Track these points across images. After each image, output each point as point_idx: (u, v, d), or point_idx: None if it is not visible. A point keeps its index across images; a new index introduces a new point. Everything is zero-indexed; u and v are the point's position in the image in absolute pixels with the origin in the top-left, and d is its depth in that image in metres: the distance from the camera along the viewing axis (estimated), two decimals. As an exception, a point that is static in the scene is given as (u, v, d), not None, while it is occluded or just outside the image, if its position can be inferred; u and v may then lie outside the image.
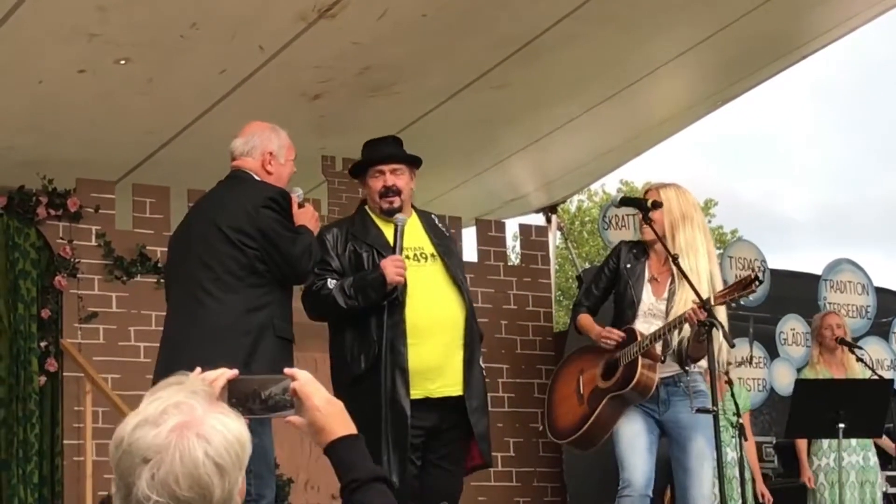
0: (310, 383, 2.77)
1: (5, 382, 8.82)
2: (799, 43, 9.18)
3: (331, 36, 7.56)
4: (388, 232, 6.01)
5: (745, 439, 7.88)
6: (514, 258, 14.77)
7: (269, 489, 5.33)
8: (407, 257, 5.90)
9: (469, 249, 10.53)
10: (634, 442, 6.35)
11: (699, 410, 6.01)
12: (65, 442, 8.76)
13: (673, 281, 6.42)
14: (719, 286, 6.34)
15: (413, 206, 6.24)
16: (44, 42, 7.28)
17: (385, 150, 6.15)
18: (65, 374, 8.87)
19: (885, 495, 9.09)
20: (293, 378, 2.75)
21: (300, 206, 5.78)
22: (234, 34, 7.42)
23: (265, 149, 5.75)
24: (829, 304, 11.23)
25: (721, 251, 10.63)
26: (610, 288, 6.67)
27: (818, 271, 11.57)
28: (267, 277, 5.49)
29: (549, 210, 11.31)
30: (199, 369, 2.71)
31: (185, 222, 5.84)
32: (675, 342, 6.32)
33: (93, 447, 8.50)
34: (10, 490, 8.71)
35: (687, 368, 6.38)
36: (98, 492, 8.45)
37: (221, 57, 7.69)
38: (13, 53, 7.34)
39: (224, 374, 2.72)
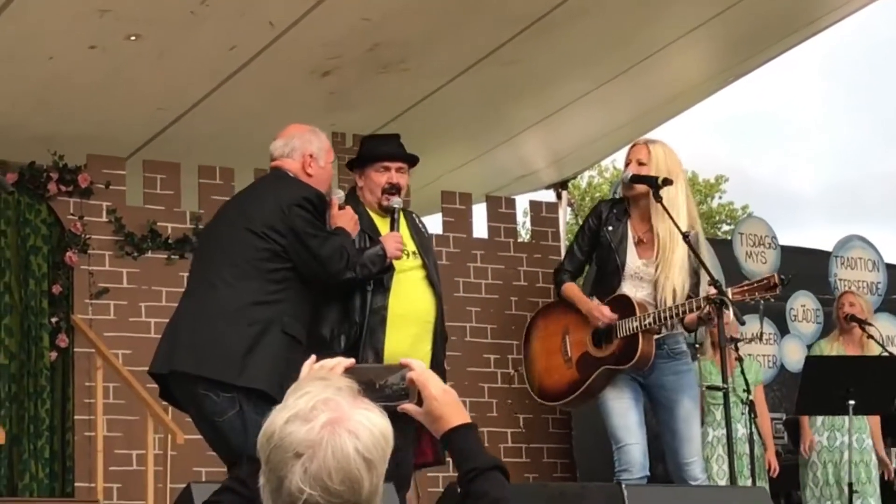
0: (426, 372, 2.84)
1: (16, 358, 8.85)
2: (809, 19, 9.15)
3: (341, 12, 7.55)
4: (379, 222, 6.10)
5: (756, 415, 7.89)
6: (524, 234, 14.79)
7: None
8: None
9: (479, 226, 10.54)
10: (627, 420, 6.30)
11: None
12: (76, 417, 8.79)
13: (658, 242, 6.39)
14: (702, 251, 6.35)
15: None
16: (54, 18, 7.28)
17: (398, 150, 6.23)
18: (75, 349, 8.89)
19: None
20: (409, 367, 2.81)
21: (340, 207, 5.87)
22: (243, 11, 7.41)
23: (305, 151, 5.80)
24: (840, 280, 11.23)
25: (732, 227, 10.62)
26: (592, 250, 6.59)
27: (828, 247, 11.56)
28: (285, 273, 5.52)
29: (560, 186, 11.29)
30: (313, 357, 2.83)
31: (220, 211, 5.93)
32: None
33: (104, 422, 8.54)
34: (22, 465, 8.74)
35: (668, 331, 6.38)
36: (109, 467, 8.48)
37: (231, 33, 7.68)
38: (24, 30, 7.34)
39: (341, 363, 2.79)
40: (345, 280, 5.71)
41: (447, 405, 2.83)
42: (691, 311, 6.20)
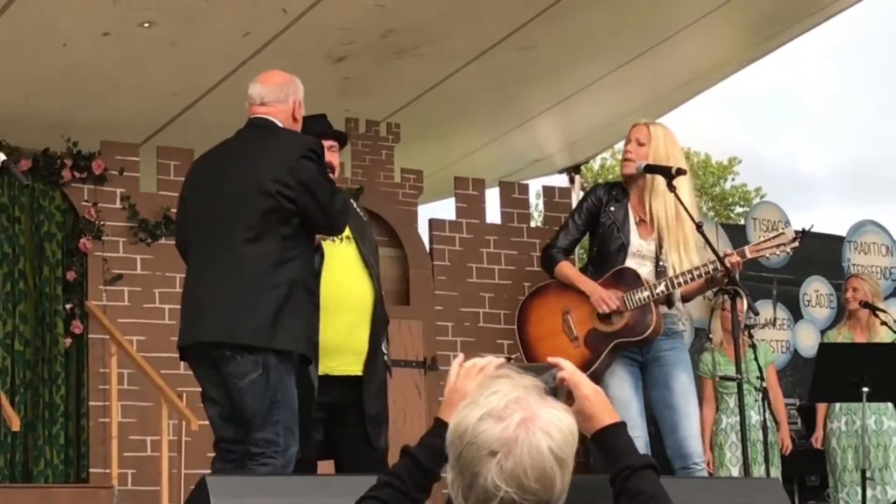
0: (577, 372, 2.88)
1: (31, 344, 8.87)
2: (825, 3, 9.12)
3: (354, -2, 7.56)
4: None
5: (769, 401, 7.87)
6: (537, 217, 14.77)
7: (295, 441, 5.33)
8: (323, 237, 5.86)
9: (493, 211, 10.53)
10: (630, 412, 6.19)
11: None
12: (90, 403, 8.81)
13: (656, 220, 6.39)
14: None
15: None
16: (68, 6, 7.30)
17: (325, 128, 6.03)
18: (90, 336, 8.90)
19: None
20: (559, 367, 2.85)
21: None
22: (257, -3, 7.42)
23: (297, 97, 5.65)
24: (853, 265, 11.20)
25: (745, 210, 10.60)
26: (587, 230, 6.55)
27: (839, 230, 11.55)
28: (297, 229, 5.38)
29: (573, 170, 11.29)
30: (462, 355, 2.92)
31: (210, 175, 5.61)
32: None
33: (118, 408, 8.56)
34: (37, 451, 8.77)
35: (670, 309, 6.38)
36: (123, 452, 8.51)
37: (245, 20, 7.68)
38: (38, 17, 7.34)
39: (492, 362, 2.87)
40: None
41: (598, 404, 2.88)
42: (700, 276, 6.20)
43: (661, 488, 2.85)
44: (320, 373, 5.70)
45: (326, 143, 5.90)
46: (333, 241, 5.83)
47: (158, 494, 8.05)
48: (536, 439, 2.46)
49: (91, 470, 8.75)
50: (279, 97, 5.64)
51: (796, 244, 6.28)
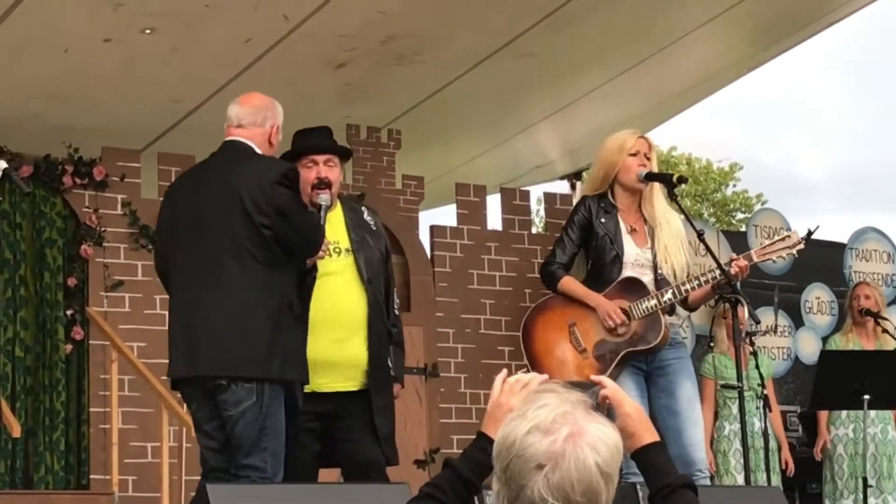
0: (619, 391, 2.92)
1: (32, 351, 8.86)
2: (828, 9, 9.13)
3: (355, 5, 7.55)
4: None
5: (770, 410, 7.88)
6: (538, 223, 14.77)
7: (281, 468, 5.35)
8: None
9: (494, 218, 10.53)
10: None
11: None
12: (91, 409, 8.79)
13: (650, 227, 6.44)
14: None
15: (340, 198, 6.11)
16: (70, 11, 7.30)
17: (323, 142, 5.99)
18: (91, 342, 8.89)
19: None
20: (601, 385, 2.88)
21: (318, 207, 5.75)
22: (257, 3, 7.41)
23: (275, 122, 5.68)
24: (855, 272, 11.20)
25: (746, 216, 10.62)
26: (583, 243, 6.58)
27: (840, 236, 11.55)
28: (279, 254, 5.41)
29: (574, 177, 11.29)
30: (504, 371, 2.98)
31: (188, 202, 5.65)
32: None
33: (119, 415, 8.54)
34: (37, 457, 8.75)
35: (670, 317, 6.41)
36: (124, 459, 8.50)
37: (246, 26, 7.68)
38: (39, 22, 7.34)
39: (535, 379, 2.92)
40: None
41: (639, 422, 2.92)
42: (707, 283, 6.23)
43: None
44: (308, 390, 5.66)
45: (322, 158, 5.90)
46: (330, 254, 5.81)
47: (159, 501, 8.04)
48: (584, 454, 2.50)
49: (91, 476, 8.74)
50: (256, 120, 5.67)
51: (801, 246, 6.32)
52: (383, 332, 5.93)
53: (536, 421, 2.53)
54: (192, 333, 5.43)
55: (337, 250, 5.88)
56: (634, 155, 6.47)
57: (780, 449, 8.71)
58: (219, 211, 5.45)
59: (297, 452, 5.62)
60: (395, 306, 6.13)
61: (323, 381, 5.75)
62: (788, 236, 6.40)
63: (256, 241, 5.38)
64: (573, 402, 2.59)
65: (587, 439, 2.51)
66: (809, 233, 6.35)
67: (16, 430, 7.76)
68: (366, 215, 6.11)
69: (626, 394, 2.93)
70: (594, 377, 2.92)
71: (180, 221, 5.62)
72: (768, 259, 6.44)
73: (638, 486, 4.97)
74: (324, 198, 5.83)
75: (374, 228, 6.10)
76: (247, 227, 5.38)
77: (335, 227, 5.95)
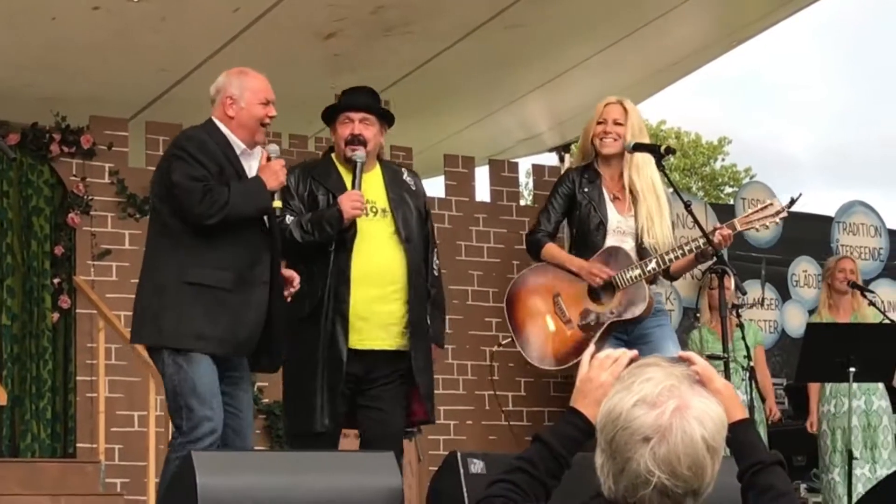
0: (709, 367, 2.89)
1: (18, 319, 8.86)
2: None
3: (345, -26, 7.53)
4: (349, 180, 5.96)
5: (756, 381, 7.89)
6: (526, 196, 14.77)
7: (204, 417, 5.41)
8: None
9: (482, 189, 10.53)
10: None
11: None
12: (78, 378, 8.80)
13: (633, 196, 6.45)
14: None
15: (380, 160, 6.19)
16: (57, -21, 7.27)
17: (359, 100, 6.05)
18: (77, 310, 8.90)
19: None
20: (690, 361, 2.85)
21: (268, 159, 5.69)
22: (247, -28, 7.40)
23: (225, 93, 5.72)
24: (842, 246, 11.22)
25: (735, 190, 10.62)
26: (566, 212, 6.61)
27: (825, 211, 11.58)
28: (179, 225, 5.51)
29: (563, 149, 11.28)
30: (592, 346, 3.00)
31: None
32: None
33: (105, 383, 8.56)
34: (24, 426, 8.77)
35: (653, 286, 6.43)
36: (111, 427, 8.51)
37: (235, -5, 7.66)
38: (26, -10, 7.33)
39: (626, 354, 2.91)
40: (212, 224, 5.48)
41: (729, 399, 2.89)
42: (691, 252, 6.25)
43: (790, 486, 2.91)
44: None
45: (357, 115, 5.97)
46: (367, 214, 5.88)
47: (145, 469, 8.05)
48: (690, 427, 2.53)
49: (78, 445, 8.75)
50: (214, 97, 5.81)
51: (784, 214, 6.35)
52: (423, 291, 6.00)
53: (643, 394, 2.56)
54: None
55: (374, 209, 5.95)
56: (601, 123, 6.48)
57: (764, 401, 8.68)
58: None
59: (337, 410, 5.76)
60: (436, 267, 6.17)
61: (357, 338, 5.83)
62: (771, 204, 6.41)
63: (161, 214, 5.60)
64: (678, 375, 2.62)
65: (694, 413, 2.54)
66: (792, 200, 6.37)
67: (2, 399, 7.77)
68: (405, 176, 6.18)
69: (715, 371, 2.89)
70: (682, 353, 2.89)
71: None
72: (752, 227, 6.46)
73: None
74: (359, 154, 5.89)
75: (414, 189, 6.15)
76: (154, 203, 5.71)
77: (374, 186, 6.01)
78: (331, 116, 6.09)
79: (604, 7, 8.57)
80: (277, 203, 5.61)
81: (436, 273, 6.16)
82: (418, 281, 5.95)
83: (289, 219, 5.86)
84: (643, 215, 6.40)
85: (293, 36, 8.24)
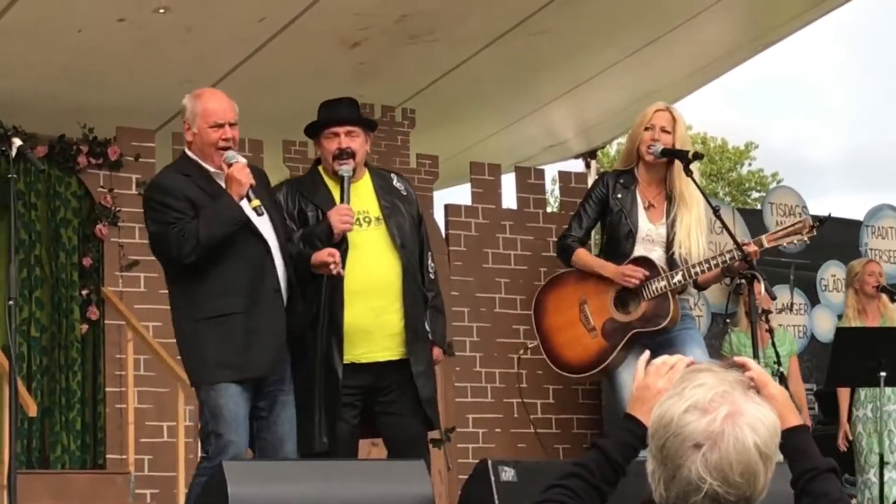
0: (764, 373, 2.88)
1: (47, 330, 8.88)
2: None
3: (370, -17, 7.54)
4: (337, 193, 5.90)
5: (786, 385, 7.86)
6: (553, 203, 14.75)
7: (224, 441, 5.43)
8: None
9: (508, 196, 10.52)
10: None
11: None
12: (107, 389, 8.81)
13: (671, 205, 6.39)
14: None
15: (369, 167, 6.13)
16: (83, -9, 7.29)
17: (341, 112, 5.98)
18: (106, 322, 8.91)
19: None
20: (746, 366, 2.83)
21: (228, 165, 5.57)
22: (272, -18, 7.40)
23: (183, 118, 5.72)
24: (871, 250, 11.16)
25: (762, 195, 10.57)
26: (598, 218, 6.57)
27: (852, 215, 11.51)
28: (175, 272, 5.63)
29: (589, 156, 11.26)
30: (647, 353, 2.97)
31: None
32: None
33: (134, 394, 8.57)
34: (53, 437, 8.78)
35: (681, 295, 6.39)
36: (140, 438, 8.52)
37: (260, 5, 7.67)
38: (53, 3, 7.36)
39: (682, 360, 2.90)
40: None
41: (784, 405, 2.88)
42: (717, 266, 6.21)
43: (844, 493, 2.90)
44: (346, 361, 5.74)
45: (342, 129, 5.90)
46: (360, 225, 5.85)
47: (175, 480, 8.07)
48: (743, 434, 2.50)
49: (108, 456, 8.76)
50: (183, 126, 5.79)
51: (814, 233, 6.28)
52: (419, 297, 5.96)
53: (694, 400, 2.54)
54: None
55: (367, 219, 5.90)
56: (649, 129, 6.44)
57: (800, 411, 8.67)
58: None
59: (336, 428, 5.71)
60: (431, 270, 6.12)
61: (360, 352, 5.81)
62: (800, 222, 6.36)
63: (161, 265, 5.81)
64: (731, 381, 2.59)
65: (746, 419, 2.51)
66: (821, 221, 6.32)
67: (32, 410, 7.77)
68: (395, 182, 6.12)
69: (769, 377, 2.88)
70: (737, 358, 2.85)
71: None
72: (779, 244, 6.41)
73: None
74: (345, 169, 5.83)
75: (405, 194, 6.10)
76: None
77: (364, 196, 5.97)
78: (314, 131, 6.01)
79: (629, 12, 8.55)
80: (255, 202, 5.50)
81: (432, 276, 6.12)
82: (413, 288, 5.92)
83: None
84: (683, 227, 6.34)
85: (318, 45, 8.25)
